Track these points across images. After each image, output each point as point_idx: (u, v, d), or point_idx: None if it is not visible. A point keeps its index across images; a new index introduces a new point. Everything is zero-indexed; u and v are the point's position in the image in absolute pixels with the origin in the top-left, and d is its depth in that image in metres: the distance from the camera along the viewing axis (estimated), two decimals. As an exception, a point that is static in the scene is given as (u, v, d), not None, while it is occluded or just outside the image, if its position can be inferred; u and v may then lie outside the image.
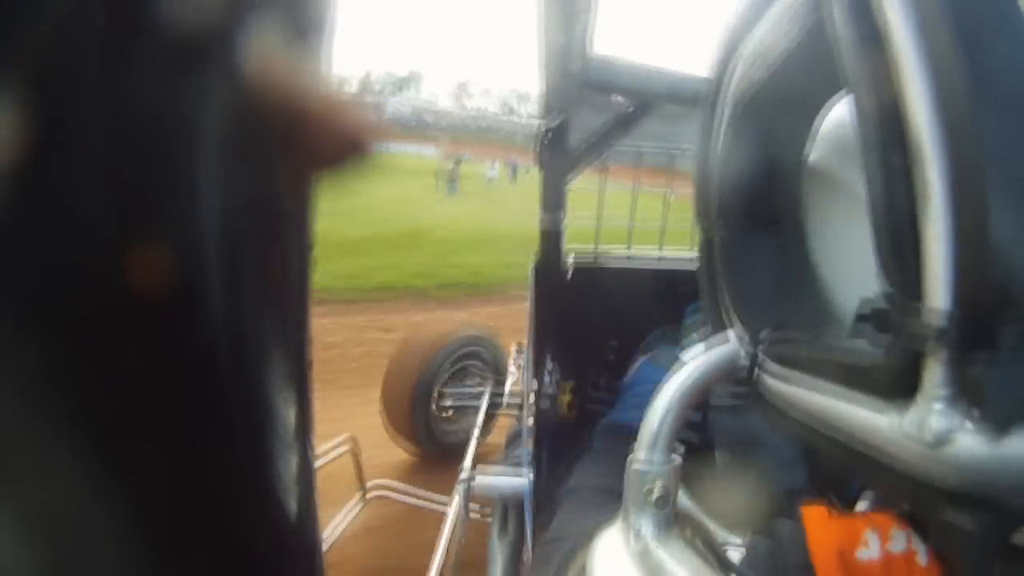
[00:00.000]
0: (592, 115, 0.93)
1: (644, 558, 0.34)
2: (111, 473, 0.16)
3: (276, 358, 0.19)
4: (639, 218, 1.28)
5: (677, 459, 0.36)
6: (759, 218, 0.38)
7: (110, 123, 0.14)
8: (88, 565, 0.17)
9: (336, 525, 1.40)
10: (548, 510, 0.90)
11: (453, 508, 1.12)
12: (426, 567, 1.03)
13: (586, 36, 0.61)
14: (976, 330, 0.18)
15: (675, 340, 0.95)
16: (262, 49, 0.15)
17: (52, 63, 0.13)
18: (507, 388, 2.06)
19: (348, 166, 0.18)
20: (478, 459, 1.30)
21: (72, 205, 0.14)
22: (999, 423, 0.19)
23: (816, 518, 0.30)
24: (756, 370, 0.35)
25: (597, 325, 1.18)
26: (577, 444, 1.06)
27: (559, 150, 0.91)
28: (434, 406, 2.00)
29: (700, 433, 0.75)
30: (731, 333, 0.38)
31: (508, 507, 1.10)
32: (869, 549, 0.27)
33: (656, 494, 0.34)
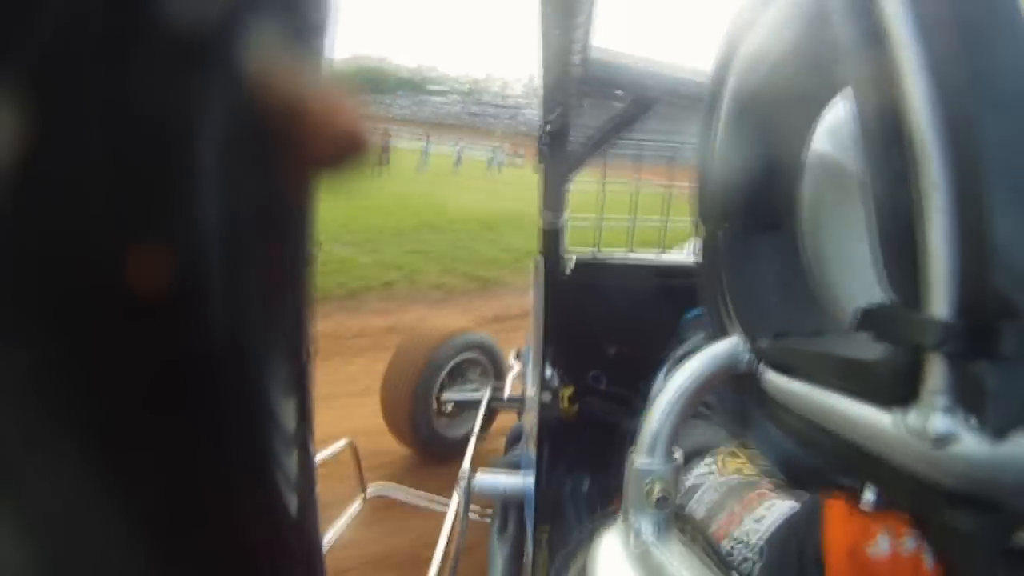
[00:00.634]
0: (592, 114, 0.93)
1: (644, 558, 0.34)
2: (111, 473, 0.16)
3: (276, 358, 0.19)
4: (639, 217, 1.28)
5: (677, 459, 0.36)
6: (759, 219, 0.38)
7: (110, 123, 0.14)
8: (89, 565, 0.17)
9: (337, 526, 1.40)
10: (548, 510, 0.90)
11: (453, 508, 1.12)
12: (426, 567, 1.03)
13: (586, 34, 0.61)
14: (978, 333, 0.18)
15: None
16: (262, 49, 0.15)
17: (52, 63, 0.13)
18: (507, 388, 2.07)
19: (348, 166, 0.18)
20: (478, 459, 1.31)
21: (72, 205, 0.14)
22: (1000, 425, 0.19)
23: (837, 513, 0.30)
24: (757, 368, 0.35)
25: (598, 324, 1.18)
26: (577, 443, 1.06)
27: (559, 148, 0.91)
28: (434, 406, 2.00)
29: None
30: (732, 333, 0.38)
31: (508, 507, 1.10)
32: (879, 547, 0.28)
33: (656, 494, 0.34)
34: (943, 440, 0.19)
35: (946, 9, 0.19)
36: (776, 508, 0.39)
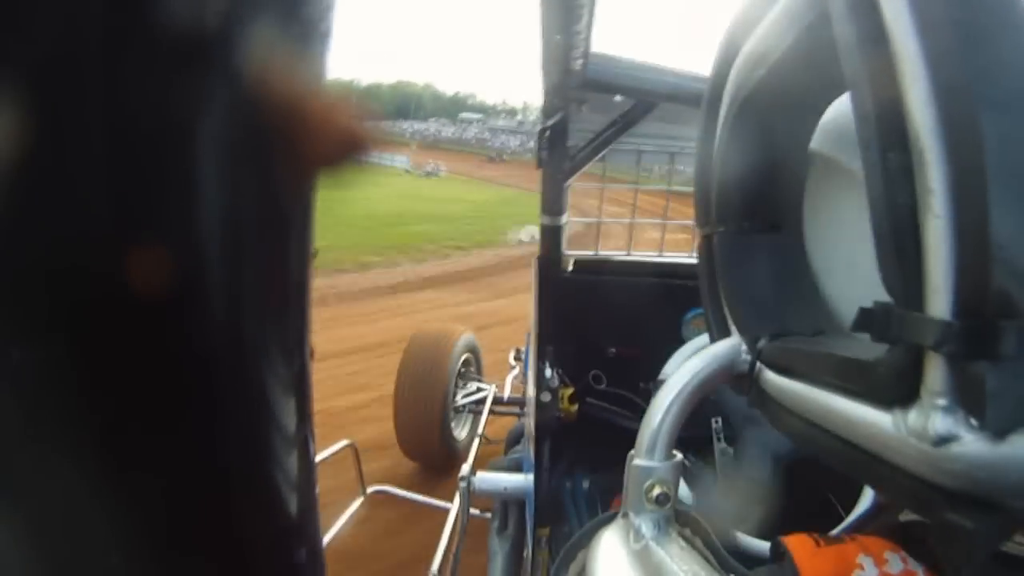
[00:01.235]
0: (592, 115, 0.93)
1: (644, 557, 0.34)
2: (111, 474, 0.16)
3: (276, 358, 0.19)
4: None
5: (678, 458, 0.36)
6: (759, 219, 0.38)
7: (111, 124, 0.14)
8: (89, 565, 0.17)
9: (337, 526, 1.40)
10: (548, 510, 0.90)
11: (454, 508, 1.12)
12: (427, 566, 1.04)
13: (586, 35, 0.61)
14: (977, 333, 0.18)
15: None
16: (262, 51, 0.15)
17: (53, 64, 0.13)
18: (507, 388, 2.07)
19: (346, 166, 0.18)
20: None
21: (72, 206, 0.14)
22: (1000, 425, 0.19)
23: (803, 550, 0.29)
24: (757, 368, 0.35)
25: (598, 324, 1.18)
26: (578, 443, 1.06)
27: (559, 149, 0.91)
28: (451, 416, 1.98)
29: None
30: (732, 332, 0.38)
31: (508, 507, 1.10)
32: (865, 573, 0.27)
33: (656, 493, 0.34)
34: (943, 440, 0.19)
35: (946, 10, 0.19)
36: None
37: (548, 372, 1.00)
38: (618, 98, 0.86)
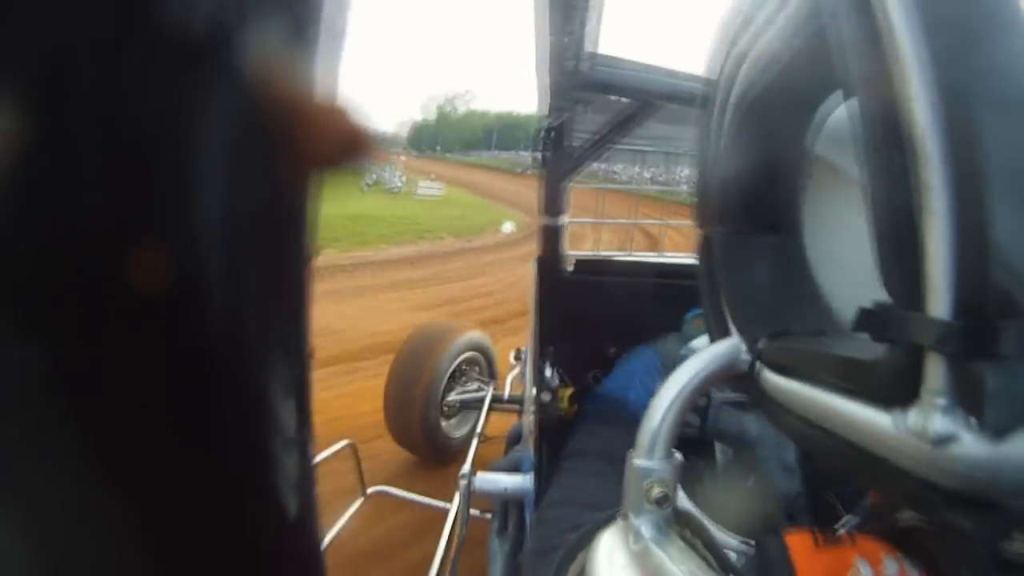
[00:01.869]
0: (592, 115, 0.93)
1: (644, 558, 0.34)
2: (111, 473, 0.16)
3: (276, 358, 0.19)
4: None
5: (677, 458, 0.36)
6: (758, 219, 0.38)
7: (110, 123, 0.14)
8: (88, 566, 0.17)
9: (337, 526, 1.40)
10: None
11: (454, 508, 1.12)
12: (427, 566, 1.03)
13: (586, 36, 0.61)
14: (977, 333, 0.18)
15: (684, 338, 0.97)
16: (263, 50, 0.15)
17: (52, 63, 0.13)
18: (507, 388, 2.07)
19: (347, 167, 0.18)
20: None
21: (72, 206, 0.14)
22: (1000, 425, 0.19)
23: (802, 549, 0.29)
24: (757, 368, 0.35)
25: (598, 324, 1.18)
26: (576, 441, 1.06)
27: (559, 150, 0.91)
28: (441, 411, 1.99)
29: (701, 425, 0.75)
30: (732, 332, 0.38)
31: (508, 506, 1.10)
32: (861, 575, 0.27)
33: (656, 494, 0.34)
34: (943, 440, 0.19)
35: (946, 10, 0.19)
36: None
37: (548, 372, 1.00)
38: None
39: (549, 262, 1.07)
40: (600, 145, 0.99)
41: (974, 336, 0.18)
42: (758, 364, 0.35)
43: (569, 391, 1.07)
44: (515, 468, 1.18)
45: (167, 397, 0.17)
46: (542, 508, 0.62)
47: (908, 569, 0.27)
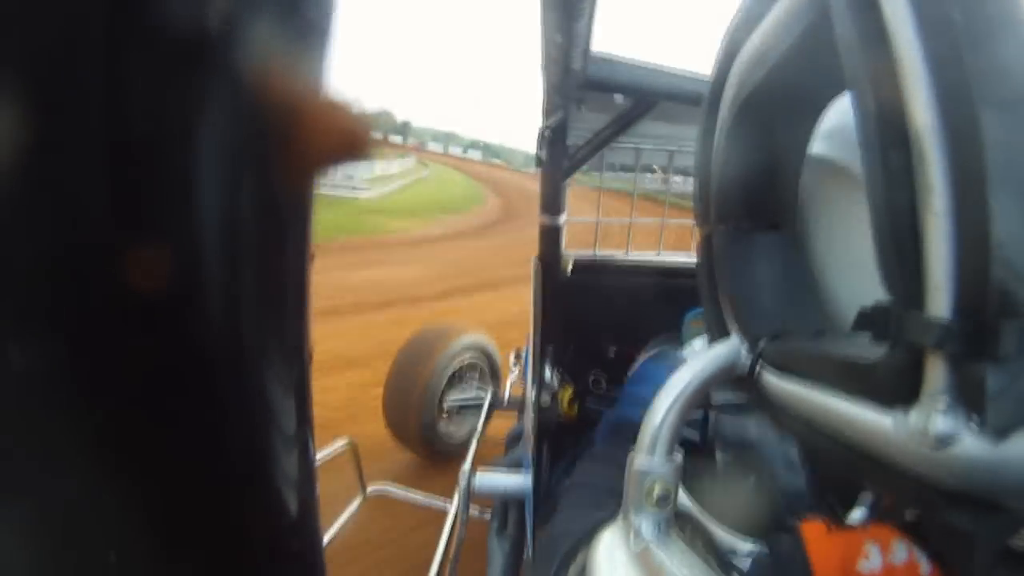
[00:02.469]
0: (592, 115, 0.93)
1: (644, 558, 0.34)
2: (111, 474, 0.16)
3: (276, 358, 0.19)
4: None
5: (678, 458, 0.36)
6: (759, 219, 0.38)
7: (109, 124, 0.14)
8: (88, 565, 0.17)
9: (336, 526, 1.40)
10: (548, 509, 0.90)
11: (454, 507, 1.12)
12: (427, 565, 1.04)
13: (586, 35, 0.61)
14: (978, 333, 0.18)
15: (678, 341, 0.96)
16: (262, 50, 0.15)
17: (53, 63, 0.13)
18: (506, 392, 2.07)
19: (347, 165, 0.18)
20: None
21: (71, 206, 0.14)
22: (1001, 425, 0.19)
23: (815, 534, 0.29)
24: (757, 369, 0.35)
25: (598, 324, 1.18)
26: (578, 443, 1.06)
27: (559, 149, 0.91)
28: (441, 412, 1.99)
29: (702, 435, 0.75)
30: (732, 333, 0.38)
31: (508, 506, 1.10)
32: (870, 561, 0.27)
33: (656, 494, 0.34)
34: (944, 440, 0.19)
35: (946, 9, 0.19)
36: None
37: (548, 373, 1.00)
38: (618, 98, 0.86)
39: (548, 262, 1.07)
40: (600, 144, 0.99)
41: (975, 336, 0.18)
42: (759, 365, 0.35)
43: (569, 392, 1.07)
44: (515, 468, 1.18)
45: (167, 397, 0.17)
46: (543, 539, 0.61)
47: (917, 556, 0.27)
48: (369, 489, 1.56)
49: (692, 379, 0.36)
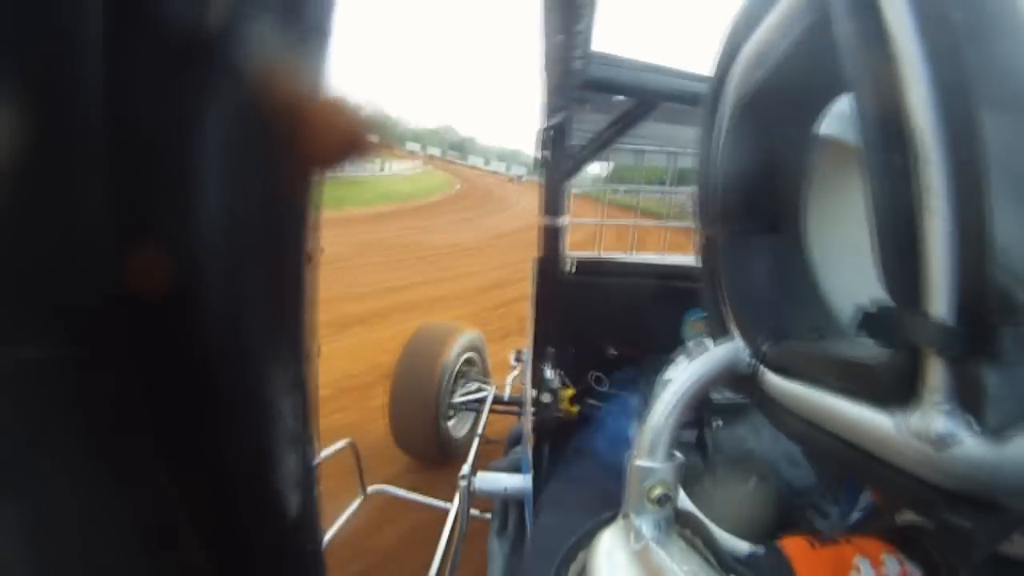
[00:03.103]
0: (592, 115, 0.93)
1: (644, 558, 0.34)
2: (113, 473, 0.16)
3: (277, 359, 0.19)
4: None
5: (679, 459, 0.36)
6: (759, 221, 0.38)
7: (111, 124, 0.14)
8: (89, 564, 0.17)
9: (336, 525, 1.40)
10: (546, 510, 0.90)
11: (454, 507, 1.12)
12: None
13: (587, 35, 0.61)
14: (977, 334, 0.18)
15: (643, 381, 0.96)
16: (263, 51, 0.15)
17: (54, 64, 0.13)
18: (507, 389, 2.07)
19: (348, 165, 0.18)
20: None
21: (72, 206, 0.14)
22: (1000, 426, 0.19)
23: (799, 551, 0.29)
24: (758, 370, 0.35)
25: (598, 325, 1.18)
26: (578, 443, 1.06)
27: (559, 149, 0.91)
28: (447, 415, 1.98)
29: (700, 436, 0.75)
30: (733, 334, 0.38)
31: (508, 506, 1.10)
32: (862, 574, 0.27)
33: (657, 494, 0.34)
34: (943, 441, 0.19)
35: (946, 10, 0.19)
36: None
37: (548, 373, 1.00)
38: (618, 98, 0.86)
39: (549, 263, 1.07)
40: (601, 145, 0.99)
41: (974, 338, 0.18)
42: (760, 366, 0.35)
43: (569, 392, 1.07)
44: (515, 468, 1.18)
45: (168, 396, 0.17)
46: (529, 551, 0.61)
47: (909, 568, 0.27)
48: (369, 489, 1.56)
49: (693, 380, 0.36)
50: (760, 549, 0.34)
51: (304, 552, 0.23)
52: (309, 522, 0.23)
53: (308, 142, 0.17)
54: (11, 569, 0.16)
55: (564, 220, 1.09)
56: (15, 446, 0.15)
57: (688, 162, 1.34)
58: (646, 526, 0.34)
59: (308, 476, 0.22)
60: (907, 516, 0.31)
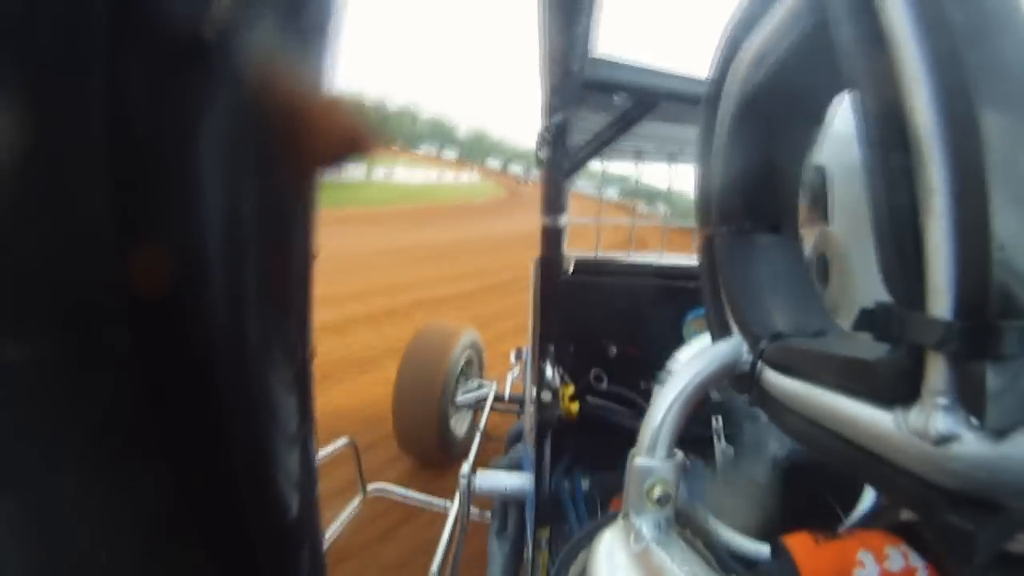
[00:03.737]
0: (592, 115, 0.93)
1: (645, 558, 0.34)
2: (114, 471, 0.16)
3: (278, 357, 0.19)
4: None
5: (679, 458, 0.36)
6: (760, 220, 0.38)
7: (112, 124, 0.14)
8: (89, 564, 0.17)
9: (336, 525, 1.40)
10: (548, 510, 0.90)
11: (454, 508, 1.12)
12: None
13: (587, 36, 0.61)
14: (978, 333, 0.18)
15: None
16: (264, 52, 0.15)
17: (56, 65, 0.13)
18: (507, 388, 2.07)
19: (348, 165, 0.18)
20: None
21: (74, 206, 0.14)
22: (1001, 424, 0.19)
23: (803, 547, 0.29)
24: (759, 368, 0.35)
25: (598, 324, 1.18)
26: (578, 443, 1.06)
27: (559, 150, 0.90)
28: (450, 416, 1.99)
29: (701, 435, 0.75)
30: (733, 332, 0.38)
31: (508, 507, 1.10)
32: (866, 570, 0.27)
33: (657, 493, 0.34)
34: (944, 439, 0.19)
35: (946, 10, 0.19)
36: None
37: (549, 371, 1.00)
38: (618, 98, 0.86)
39: (549, 262, 1.07)
40: (600, 145, 0.99)
41: (975, 336, 0.18)
42: (760, 364, 0.35)
43: (570, 390, 1.07)
44: (515, 466, 1.18)
45: (168, 396, 0.17)
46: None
47: (913, 561, 0.27)
48: (369, 489, 1.56)
49: (693, 378, 0.36)
50: (765, 546, 0.34)
51: (304, 552, 0.23)
52: (309, 522, 0.23)
53: (309, 141, 0.17)
54: (12, 568, 0.16)
55: (564, 220, 1.08)
56: (15, 445, 0.15)
57: (687, 164, 1.34)
58: (646, 526, 0.34)
59: (308, 476, 0.22)
60: (910, 514, 0.31)
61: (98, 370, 0.15)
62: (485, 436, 1.70)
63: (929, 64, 0.20)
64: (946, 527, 0.20)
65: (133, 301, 0.15)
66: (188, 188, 0.15)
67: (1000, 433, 0.19)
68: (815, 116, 0.35)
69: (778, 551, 0.29)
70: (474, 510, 1.15)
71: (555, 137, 0.87)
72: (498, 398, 2.00)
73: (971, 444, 0.19)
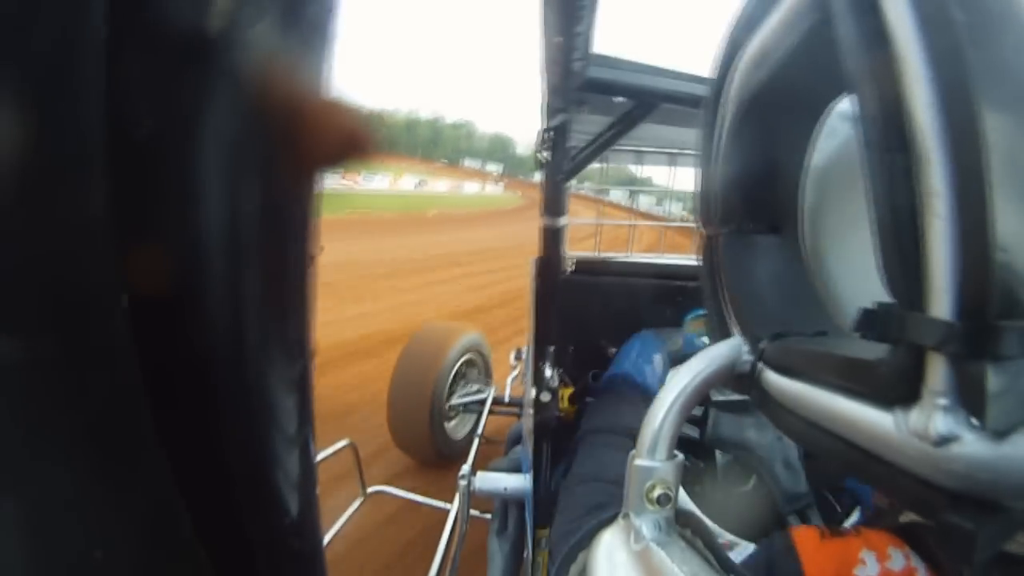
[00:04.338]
0: (592, 115, 0.93)
1: (645, 558, 0.34)
2: (112, 473, 0.16)
3: (278, 357, 0.19)
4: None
5: (679, 458, 0.36)
6: (761, 220, 0.38)
7: (111, 124, 0.14)
8: (88, 564, 0.17)
9: (336, 526, 1.40)
10: (549, 508, 0.90)
11: (455, 508, 1.12)
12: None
13: (587, 36, 0.61)
14: (979, 333, 0.18)
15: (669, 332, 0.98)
16: (264, 51, 0.15)
17: (54, 64, 0.13)
18: (507, 390, 2.07)
19: (349, 165, 0.18)
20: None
21: (72, 206, 0.14)
22: (1001, 425, 0.19)
23: (808, 542, 0.29)
24: (758, 368, 0.35)
25: (598, 324, 1.18)
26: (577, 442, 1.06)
27: (559, 150, 0.91)
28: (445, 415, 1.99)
29: (701, 435, 0.76)
30: (733, 333, 0.38)
31: (508, 506, 1.10)
32: (867, 568, 0.27)
33: (657, 494, 0.34)
34: (944, 440, 0.19)
35: (947, 10, 0.19)
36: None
37: (548, 372, 1.00)
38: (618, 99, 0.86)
39: (549, 263, 1.07)
40: (601, 146, 0.99)
41: (976, 336, 0.18)
42: (760, 364, 0.35)
43: (569, 391, 1.07)
44: (515, 468, 1.18)
45: (168, 396, 0.17)
46: (569, 485, 0.64)
47: (914, 562, 0.27)
48: (369, 489, 1.56)
49: (693, 378, 0.36)
50: (762, 546, 0.34)
51: (304, 552, 0.23)
52: (309, 522, 0.23)
53: (309, 142, 0.17)
54: (9, 569, 0.16)
55: (564, 220, 1.09)
56: (11, 445, 0.15)
57: (687, 163, 1.34)
58: (646, 526, 0.34)
59: (308, 476, 0.22)
60: (911, 515, 0.31)
61: (96, 370, 0.15)
62: (484, 439, 1.70)
63: (930, 64, 0.20)
64: (947, 527, 0.20)
65: (132, 301, 0.15)
66: (188, 187, 0.15)
67: (1001, 434, 0.19)
68: (816, 117, 0.35)
69: (783, 542, 0.30)
70: (474, 511, 1.15)
71: (555, 138, 0.87)
72: (498, 401, 2.00)
73: (971, 445, 0.19)
